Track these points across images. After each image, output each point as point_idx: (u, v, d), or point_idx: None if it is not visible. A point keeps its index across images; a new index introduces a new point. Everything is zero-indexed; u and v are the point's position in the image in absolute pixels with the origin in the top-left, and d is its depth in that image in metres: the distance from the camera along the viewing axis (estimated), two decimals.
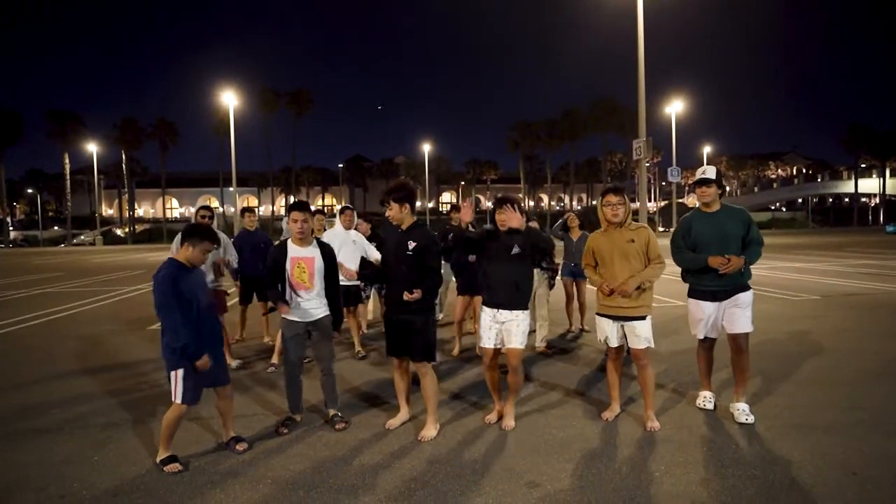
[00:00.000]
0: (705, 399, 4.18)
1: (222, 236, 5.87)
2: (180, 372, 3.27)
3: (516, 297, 3.80)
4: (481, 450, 3.52)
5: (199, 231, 3.37)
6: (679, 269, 4.12)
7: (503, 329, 3.82)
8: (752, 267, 3.89)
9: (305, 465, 3.35)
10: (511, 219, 3.72)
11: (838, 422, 3.84)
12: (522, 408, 4.22)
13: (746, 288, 3.90)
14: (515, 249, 3.76)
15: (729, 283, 3.83)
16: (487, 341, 3.88)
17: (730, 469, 3.17)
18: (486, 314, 3.88)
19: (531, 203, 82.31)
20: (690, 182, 4.10)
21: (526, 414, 4.11)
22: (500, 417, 3.95)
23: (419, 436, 3.72)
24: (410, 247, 3.67)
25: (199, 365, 3.27)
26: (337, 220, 5.99)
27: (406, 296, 3.53)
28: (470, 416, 4.10)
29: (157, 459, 3.36)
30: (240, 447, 3.57)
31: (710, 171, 3.97)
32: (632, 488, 2.99)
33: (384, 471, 3.26)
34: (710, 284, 3.88)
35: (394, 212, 3.75)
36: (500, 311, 3.81)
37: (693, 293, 4.03)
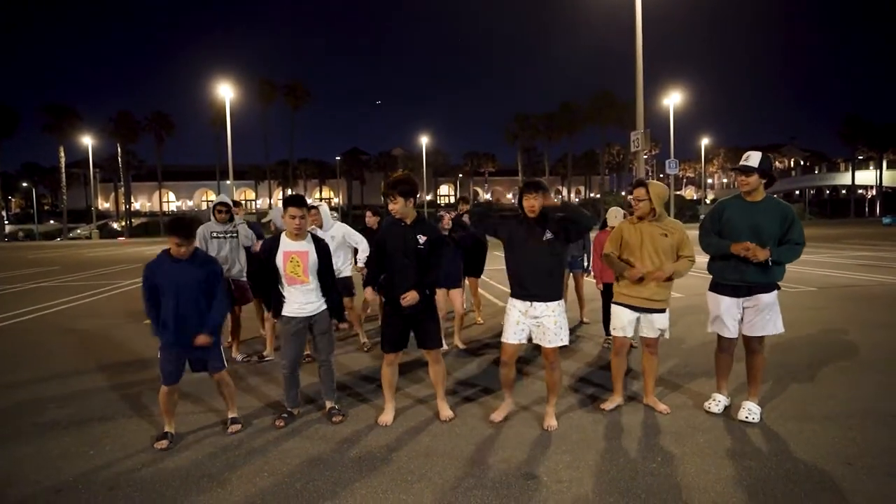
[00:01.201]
0: (715, 402, 3.92)
1: (241, 228, 5.75)
2: (160, 352, 3.55)
3: (550, 287, 3.60)
4: (478, 442, 3.52)
5: (169, 225, 3.54)
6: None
7: (538, 325, 3.61)
8: None
9: (302, 459, 3.35)
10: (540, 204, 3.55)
11: (834, 413, 3.85)
12: (519, 400, 4.22)
13: (771, 288, 3.65)
14: (548, 235, 3.54)
15: (752, 278, 3.61)
16: (513, 336, 3.67)
17: (726, 460, 3.18)
18: (516, 308, 3.65)
19: None
20: (731, 167, 3.71)
21: (523, 406, 4.11)
22: (507, 417, 3.86)
23: (442, 418, 3.86)
24: (422, 241, 3.70)
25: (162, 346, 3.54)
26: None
27: (404, 301, 3.61)
28: (466, 409, 4.10)
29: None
30: (232, 429, 3.74)
31: (752, 158, 3.64)
32: (628, 479, 2.99)
33: (381, 463, 3.26)
34: (730, 278, 3.68)
35: (399, 205, 3.70)
36: (534, 303, 3.59)
37: (713, 286, 3.83)
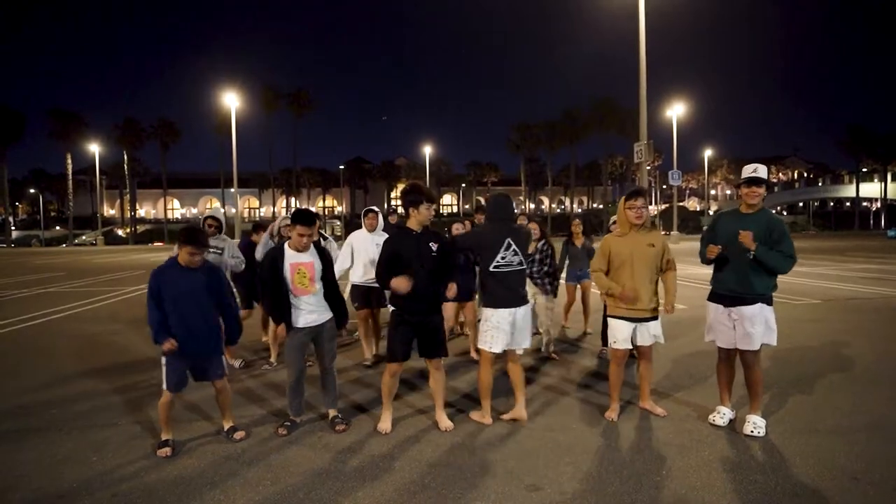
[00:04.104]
0: (720, 415, 3.90)
1: (228, 241, 5.77)
2: (164, 360, 3.55)
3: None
4: (481, 453, 3.51)
5: (183, 234, 3.55)
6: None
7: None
8: None
9: (305, 467, 3.34)
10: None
11: (840, 426, 3.83)
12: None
13: (755, 301, 3.63)
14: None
15: (739, 289, 3.66)
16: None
17: (731, 474, 3.16)
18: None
19: (531, 205, 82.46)
20: (739, 180, 3.69)
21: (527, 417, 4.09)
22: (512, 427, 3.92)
23: (441, 429, 3.87)
24: (434, 247, 3.78)
25: (165, 349, 3.44)
26: (363, 221, 5.81)
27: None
28: (467, 420, 4.09)
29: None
30: (237, 436, 3.75)
31: (761, 170, 3.63)
32: (633, 492, 2.98)
33: (384, 473, 3.25)
34: (720, 287, 3.79)
35: (428, 213, 3.79)
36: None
37: (709, 296, 3.91)
